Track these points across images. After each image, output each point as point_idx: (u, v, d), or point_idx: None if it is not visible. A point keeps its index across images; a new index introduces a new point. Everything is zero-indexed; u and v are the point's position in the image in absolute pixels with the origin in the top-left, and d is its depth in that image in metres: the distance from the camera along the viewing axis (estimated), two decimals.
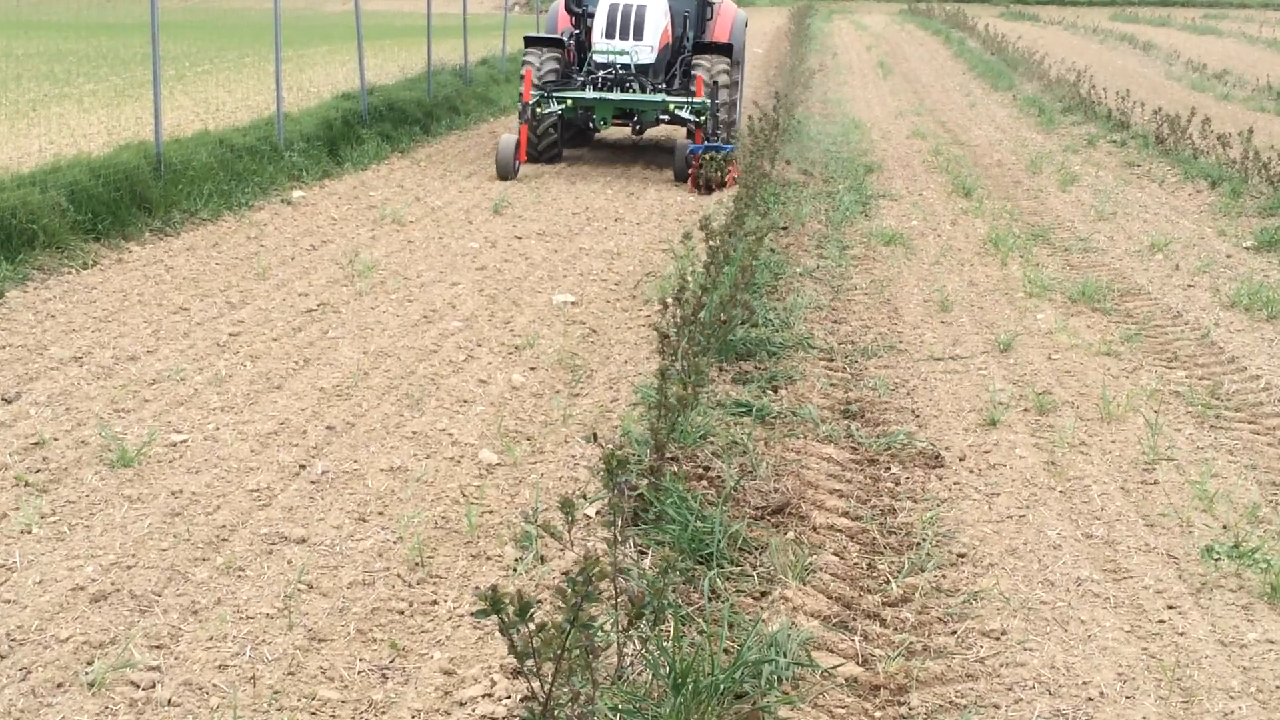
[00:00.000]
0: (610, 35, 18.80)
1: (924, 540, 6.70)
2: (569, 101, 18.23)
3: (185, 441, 7.75)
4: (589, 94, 18.35)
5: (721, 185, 16.97)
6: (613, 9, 18.88)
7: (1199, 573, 6.33)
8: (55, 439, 7.69)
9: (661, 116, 18.51)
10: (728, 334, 9.53)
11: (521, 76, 18.58)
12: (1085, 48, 46.75)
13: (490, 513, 6.94)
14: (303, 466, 7.47)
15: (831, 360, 9.86)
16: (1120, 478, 7.59)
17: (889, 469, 7.74)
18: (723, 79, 18.60)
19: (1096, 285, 12.04)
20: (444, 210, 15.44)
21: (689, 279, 8.85)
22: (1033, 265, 13.14)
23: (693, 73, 18.71)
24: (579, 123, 19.28)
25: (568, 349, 9.90)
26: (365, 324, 10.42)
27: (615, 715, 4.70)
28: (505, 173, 17.61)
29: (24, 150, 15.28)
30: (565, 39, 19.58)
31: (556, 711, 4.35)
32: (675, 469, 7.11)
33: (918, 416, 8.63)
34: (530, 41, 19.56)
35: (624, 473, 5.21)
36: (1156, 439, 8.08)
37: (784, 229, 14.43)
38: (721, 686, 4.95)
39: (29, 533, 6.45)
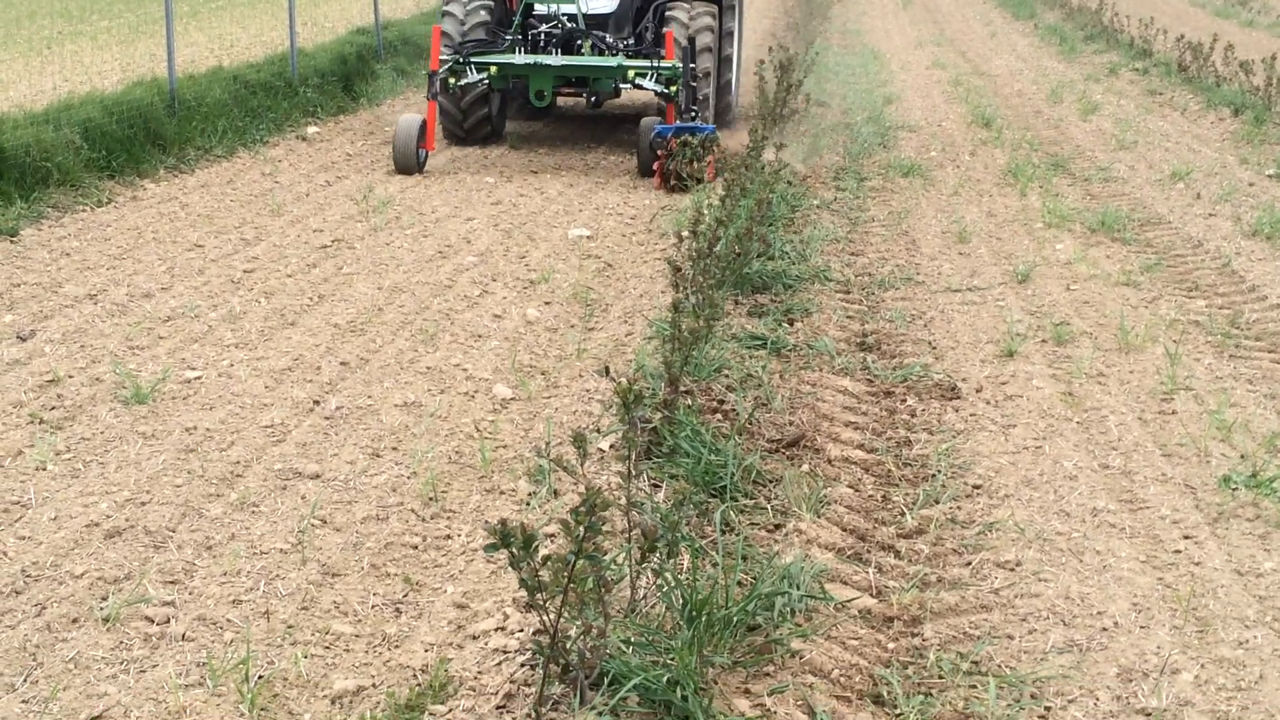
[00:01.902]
0: None
1: (939, 472, 6.68)
2: (493, 69, 13.47)
3: (199, 378, 7.76)
4: (519, 58, 13.45)
5: (698, 181, 12.60)
6: None
7: (1216, 502, 6.30)
8: (70, 376, 7.71)
9: (622, 84, 14.14)
10: (743, 267, 9.49)
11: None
12: None
13: (504, 447, 6.94)
14: (317, 402, 7.47)
15: (848, 292, 9.82)
16: (1138, 408, 7.54)
17: (905, 401, 7.70)
18: (705, 38, 14.07)
19: (1116, 215, 11.95)
20: (460, 144, 15.36)
21: (705, 212, 8.79)
22: (1052, 195, 13.04)
23: (665, 28, 14.05)
24: (515, 95, 15.03)
25: (583, 283, 9.87)
26: (380, 260, 10.41)
27: (628, 648, 4.70)
28: (406, 166, 13.42)
29: (38, 88, 15.24)
30: None
31: (567, 644, 4.36)
32: (689, 402, 7.08)
33: (934, 348, 8.59)
34: None
35: (638, 407, 5.20)
36: (1175, 369, 8.03)
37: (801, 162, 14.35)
38: (735, 619, 4.95)
39: (44, 470, 6.48)
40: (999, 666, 4.95)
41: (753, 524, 6.02)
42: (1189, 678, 4.85)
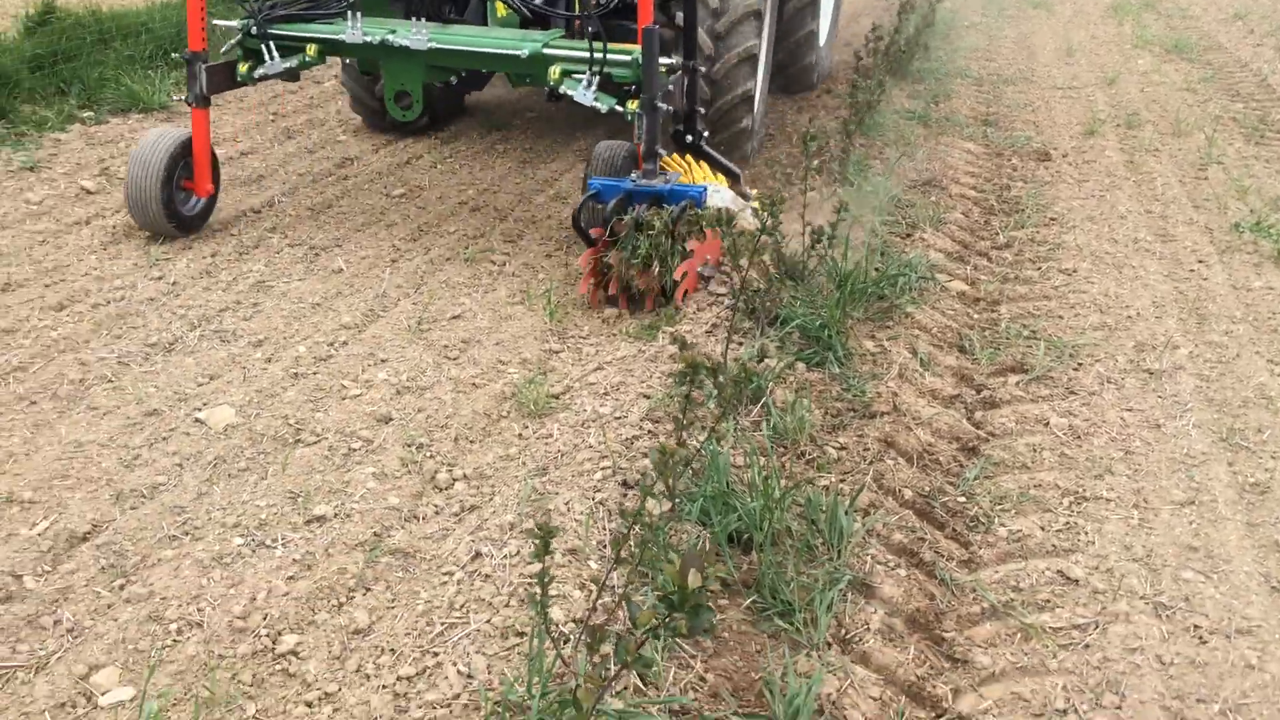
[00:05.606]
0: None
1: (1027, 208, 6.28)
2: (310, 49, 4.97)
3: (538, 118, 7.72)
4: (350, 34, 4.80)
5: (663, 296, 4.60)
6: None
7: (1226, 240, 5.78)
8: (455, 119, 7.76)
9: (582, 80, 4.66)
10: (908, 63, 8.90)
11: None
12: None
13: None
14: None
15: (980, 85, 9.13)
16: (1180, 174, 6.91)
17: (1010, 160, 7.21)
18: None
19: (1187, 41, 10.75)
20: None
21: (881, 23, 8.20)
22: (1142, 26, 11.77)
23: None
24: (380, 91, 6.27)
25: None
26: None
27: (795, 302, 4.62)
28: (146, 222, 4.98)
29: None
30: None
31: (753, 295, 4.31)
32: (859, 150, 6.76)
33: (1037, 126, 7.97)
34: None
35: (814, 144, 4.96)
36: (1212, 149, 7.29)
37: None
38: (869, 290, 4.82)
39: (435, 168, 6.60)
40: (1050, 335, 4.72)
41: (891, 232, 5.77)
42: (1185, 352, 4.55)
